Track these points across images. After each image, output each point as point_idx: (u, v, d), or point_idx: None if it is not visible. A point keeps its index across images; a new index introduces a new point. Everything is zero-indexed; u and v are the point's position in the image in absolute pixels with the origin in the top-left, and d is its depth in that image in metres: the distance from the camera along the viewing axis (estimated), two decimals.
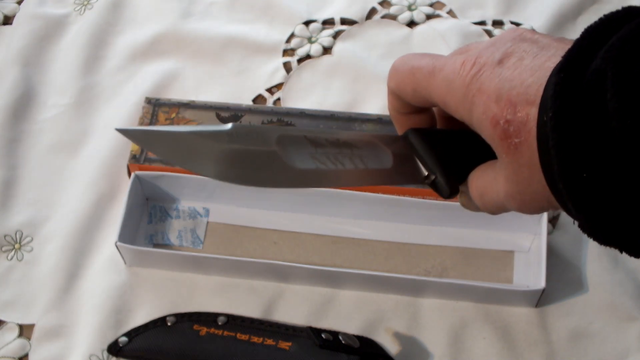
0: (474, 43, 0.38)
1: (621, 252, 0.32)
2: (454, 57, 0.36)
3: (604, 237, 0.31)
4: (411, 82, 0.38)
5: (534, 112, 0.32)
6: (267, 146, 0.37)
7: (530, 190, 0.34)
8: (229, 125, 0.36)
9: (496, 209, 0.38)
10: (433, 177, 0.39)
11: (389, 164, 0.39)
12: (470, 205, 0.40)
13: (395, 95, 0.40)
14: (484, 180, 0.37)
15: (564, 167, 0.30)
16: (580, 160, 0.30)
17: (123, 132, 0.34)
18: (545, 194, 0.33)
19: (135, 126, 0.34)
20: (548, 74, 0.32)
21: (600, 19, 0.31)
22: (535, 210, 0.35)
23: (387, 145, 0.40)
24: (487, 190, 0.37)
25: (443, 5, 0.78)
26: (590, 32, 0.31)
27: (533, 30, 0.35)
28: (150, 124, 0.66)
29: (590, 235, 0.32)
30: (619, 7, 0.32)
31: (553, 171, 0.31)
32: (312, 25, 0.77)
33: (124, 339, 0.59)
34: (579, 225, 0.32)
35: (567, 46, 0.32)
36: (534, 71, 0.32)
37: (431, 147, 0.39)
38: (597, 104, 0.29)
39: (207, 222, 0.65)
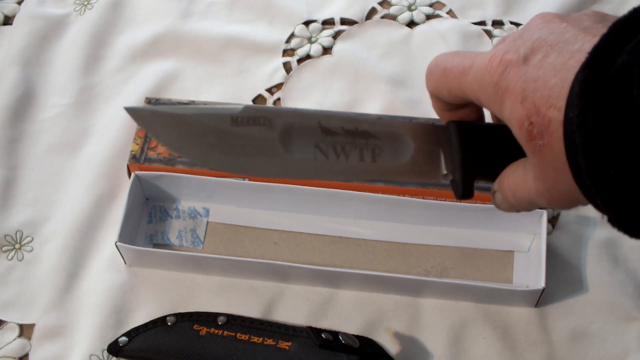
0: (513, 33, 0.37)
1: None
2: (483, 53, 0.37)
3: (634, 231, 0.32)
4: (445, 84, 0.38)
5: (555, 115, 0.32)
6: (269, 132, 0.36)
7: (558, 189, 0.34)
8: (240, 108, 0.37)
9: (529, 206, 0.38)
10: (451, 177, 0.39)
11: (405, 158, 0.39)
12: (504, 203, 0.40)
13: (434, 96, 0.40)
14: (515, 177, 0.38)
15: (591, 164, 0.30)
16: (606, 157, 0.30)
17: (130, 111, 0.35)
18: (573, 192, 0.33)
19: (144, 106, 0.36)
20: (571, 74, 0.31)
21: (630, 13, 0.31)
22: (565, 206, 0.36)
23: (415, 137, 0.39)
24: (518, 187, 0.37)
25: (443, 5, 0.78)
26: (618, 27, 0.30)
27: (562, 17, 0.35)
28: None
29: (620, 229, 0.32)
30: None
31: (580, 168, 0.31)
32: (312, 25, 0.77)
33: (124, 339, 0.59)
34: (608, 220, 0.32)
35: (594, 38, 0.32)
36: (557, 71, 0.32)
37: (464, 143, 0.39)
38: (623, 100, 0.29)
39: (207, 222, 0.65)
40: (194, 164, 0.35)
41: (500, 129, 0.38)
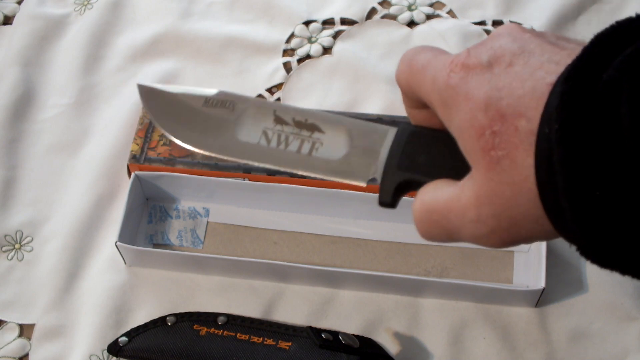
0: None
1: (623, 274, 0.30)
2: (448, 54, 0.35)
3: (609, 261, 0.29)
4: (406, 75, 0.36)
5: (524, 124, 0.30)
6: (229, 114, 0.41)
7: (510, 214, 0.31)
8: (214, 91, 0.42)
9: (441, 232, 0.34)
10: (378, 181, 0.38)
11: (337, 156, 0.39)
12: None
13: (401, 91, 0.38)
14: (438, 196, 0.34)
15: (571, 185, 0.28)
16: (590, 176, 0.27)
17: (140, 87, 0.44)
18: (529, 219, 0.31)
19: (155, 84, 0.44)
20: (540, 84, 0.30)
21: (612, 26, 0.29)
22: (509, 239, 0.32)
23: (358, 136, 0.39)
24: (440, 208, 0.34)
25: (443, 5, 0.78)
26: (601, 40, 0.29)
27: (524, 29, 0.33)
28: (150, 124, 0.66)
29: (591, 257, 0.30)
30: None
31: (555, 189, 0.29)
32: (312, 25, 0.77)
33: (124, 339, 0.59)
34: (579, 249, 0.30)
35: (562, 51, 0.31)
36: (524, 81, 0.31)
37: (405, 150, 0.37)
38: (609, 118, 0.27)
39: (207, 222, 0.65)
40: (165, 135, 0.43)
41: (454, 141, 0.35)
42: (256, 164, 0.40)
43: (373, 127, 0.39)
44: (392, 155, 0.37)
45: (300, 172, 0.40)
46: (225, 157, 0.41)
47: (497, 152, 0.30)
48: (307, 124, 0.40)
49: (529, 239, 0.32)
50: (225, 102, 0.41)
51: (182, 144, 0.42)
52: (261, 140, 0.40)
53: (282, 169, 0.40)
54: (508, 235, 0.32)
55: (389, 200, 0.37)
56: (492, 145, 0.31)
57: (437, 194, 0.34)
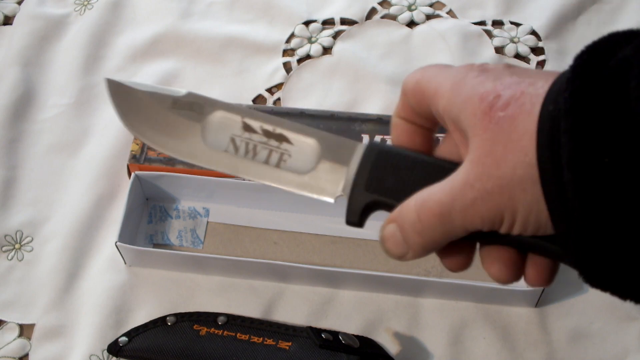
0: None
1: (612, 293, 0.30)
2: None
3: (604, 253, 0.29)
4: (418, 77, 0.37)
5: (531, 90, 0.31)
6: (197, 118, 0.40)
7: (498, 174, 0.31)
8: (183, 92, 0.40)
9: (436, 222, 0.34)
10: (346, 199, 0.38)
11: (305, 170, 0.39)
12: (392, 238, 0.36)
13: (402, 94, 0.39)
14: (432, 188, 0.34)
15: (577, 151, 0.28)
16: (597, 145, 0.28)
17: (108, 82, 0.42)
18: (515, 184, 0.31)
19: (123, 80, 0.43)
20: (550, 75, 0.31)
21: (628, 29, 0.31)
22: (493, 210, 0.32)
23: (326, 150, 0.39)
24: (436, 195, 0.34)
25: (443, 5, 0.78)
26: (615, 35, 0.30)
27: None
28: None
29: (582, 252, 0.30)
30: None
31: (558, 161, 0.29)
32: (312, 25, 0.77)
33: (124, 339, 0.59)
34: (563, 235, 0.30)
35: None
36: (537, 72, 0.33)
37: (373, 171, 0.37)
38: (619, 90, 0.28)
39: (207, 222, 0.65)
40: (134, 135, 0.42)
41: (424, 164, 0.36)
42: (224, 171, 0.39)
43: (341, 141, 0.39)
44: (359, 175, 0.37)
45: (268, 184, 0.39)
46: (193, 163, 0.40)
47: (498, 112, 0.32)
48: (275, 133, 0.39)
49: (510, 209, 0.32)
50: (193, 105, 0.40)
51: (151, 145, 0.40)
52: (228, 148, 0.39)
53: (250, 179, 0.39)
54: (492, 204, 0.32)
55: (356, 220, 0.38)
56: (495, 106, 0.32)
57: (432, 187, 0.35)
